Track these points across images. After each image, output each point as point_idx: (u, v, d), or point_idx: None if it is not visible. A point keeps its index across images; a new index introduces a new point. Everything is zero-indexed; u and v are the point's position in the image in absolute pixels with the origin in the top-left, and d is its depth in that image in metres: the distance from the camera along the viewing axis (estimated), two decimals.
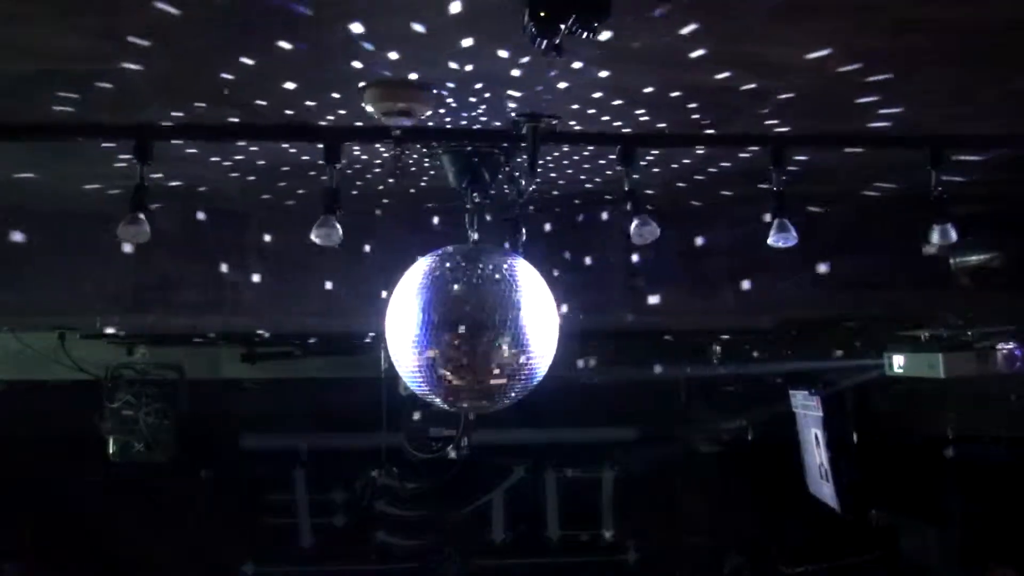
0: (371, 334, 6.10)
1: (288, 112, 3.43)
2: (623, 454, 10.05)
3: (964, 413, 6.82)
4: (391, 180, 4.03)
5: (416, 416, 7.00)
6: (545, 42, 2.49)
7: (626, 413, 9.52)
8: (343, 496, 10.01)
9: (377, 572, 9.80)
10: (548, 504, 10.57)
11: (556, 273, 5.01)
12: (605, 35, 2.66)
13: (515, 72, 3.03)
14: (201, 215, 5.22)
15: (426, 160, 4.06)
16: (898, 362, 6.10)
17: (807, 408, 8.01)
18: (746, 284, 5.52)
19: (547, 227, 5.25)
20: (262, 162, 4.15)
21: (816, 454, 7.99)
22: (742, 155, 4.11)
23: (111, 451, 7.04)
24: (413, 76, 3.07)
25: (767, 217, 3.94)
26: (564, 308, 5.01)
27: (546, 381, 3.62)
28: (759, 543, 9.25)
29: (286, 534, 9.90)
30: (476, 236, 3.70)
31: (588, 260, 5.43)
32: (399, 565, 9.81)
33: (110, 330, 6.21)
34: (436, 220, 5.13)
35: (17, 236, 5.20)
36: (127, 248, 5.02)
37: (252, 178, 4.44)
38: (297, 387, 8.25)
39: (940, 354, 5.70)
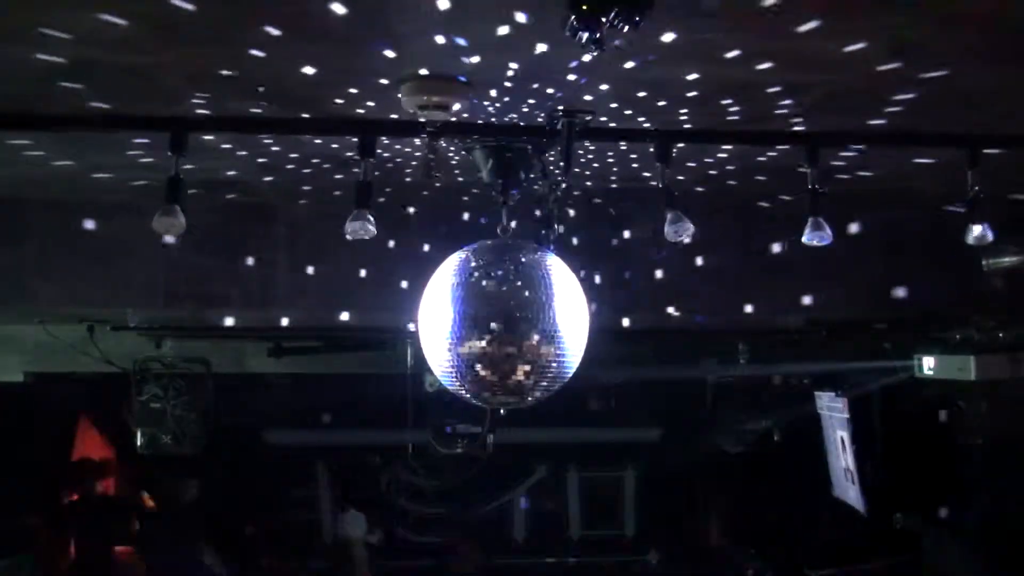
0: (402, 329, 6.11)
1: (323, 106, 3.43)
2: (646, 455, 10.04)
3: (995, 416, 6.74)
4: (426, 175, 4.02)
5: (441, 413, 6.99)
6: (586, 35, 2.47)
7: (651, 414, 9.51)
8: (365, 492, 10.03)
9: (398, 568, 9.81)
10: (570, 503, 10.57)
11: (583, 272, 4.99)
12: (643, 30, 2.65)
13: (551, 67, 3.02)
14: (231, 208, 5.24)
15: (458, 155, 4.06)
16: (928, 364, 6.05)
17: (833, 410, 7.96)
18: (775, 284, 5.49)
19: (577, 223, 5.23)
20: (294, 155, 4.15)
21: (842, 456, 7.94)
22: (775, 152, 4.09)
23: (139, 443, 7.08)
24: (448, 71, 3.06)
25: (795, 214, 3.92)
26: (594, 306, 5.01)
27: (572, 380, 3.60)
28: (783, 545, 9.20)
29: (308, 528, 9.94)
30: (509, 231, 3.69)
31: (616, 258, 5.42)
32: (420, 562, 9.83)
33: (139, 323, 6.25)
34: (467, 215, 5.12)
35: (49, 229, 5.24)
36: (157, 241, 5.05)
37: (282, 171, 4.45)
38: (323, 382, 8.27)
39: (971, 356, 5.64)
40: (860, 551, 8.48)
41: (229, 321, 5.79)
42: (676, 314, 5.60)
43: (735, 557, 9.57)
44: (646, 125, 3.64)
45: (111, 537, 8.27)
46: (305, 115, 3.56)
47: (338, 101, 3.37)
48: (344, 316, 5.74)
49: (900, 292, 5.48)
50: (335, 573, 9.48)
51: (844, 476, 7.99)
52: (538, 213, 4.00)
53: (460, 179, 4.50)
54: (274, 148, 4.04)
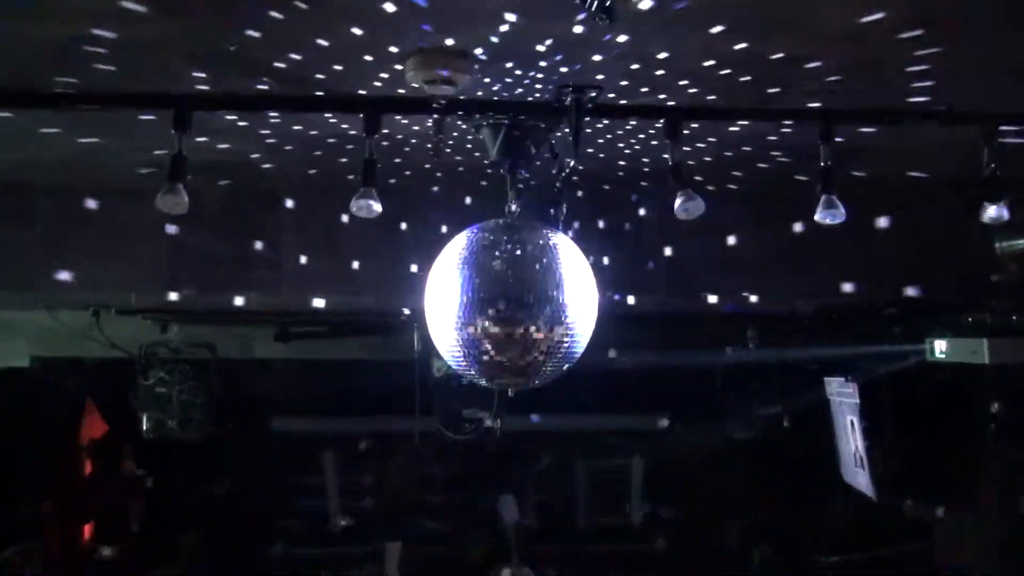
0: (406, 312, 6.07)
1: (327, 82, 3.38)
2: (654, 441, 9.99)
3: (1008, 400, 6.69)
4: (431, 153, 3.98)
5: (449, 398, 6.96)
6: (595, 4, 2.42)
7: (659, 400, 9.46)
8: (372, 479, 10.01)
9: (405, 556, 9.78)
10: (577, 491, 10.53)
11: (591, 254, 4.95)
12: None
13: (560, 42, 2.96)
14: (236, 191, 5.20)
15: (466, 135, 4.01)
16: (940, 348, 5.99)
17: (842, 395, 7.90)
18: (785, 269, 5.44)
19: (585, 204, 5.18)
20: (298, 135, 4.11)
21: (851, 442, 7.87)
22: (786, 131, 4.03)
23: (144, 428, 7.07)
24: (454, 44, 3.01)
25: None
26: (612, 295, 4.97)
27: (578, 366, 3.56)
28: (791, 532, 9.15)
29: (316, 516, 9.92)
30: (516, 211, 3.64)
31: (624, 239, 5.37)
32: (427, 549, 9.80)
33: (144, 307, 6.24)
34: (474, 195, 5.07)
35: (52, 213, 5.21)
36: (164, 225, 5.04)
37: (287, 153, 4.41)
38: (329, 368, 8.24)
39: (984, 339, 5.58)
40: (869, 537, 8.44)
41: (236, 304, 5.74)
42: (684, 299, 5.55)
43: (743, 544, 9.52)
44: (667, 102, 3.59)
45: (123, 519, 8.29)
46: (309, 92, 3.51)
47: (345, 76, 3.33)
48: (350, 300, 5.71)
49: (911, 276, 5.42)
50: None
51: (854, 462, 7.93)
52: (552, 192, 3.92)
53: (464, 157, 4.45)
54: (281, 128, 4.00)
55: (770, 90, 3.47)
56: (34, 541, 7.85)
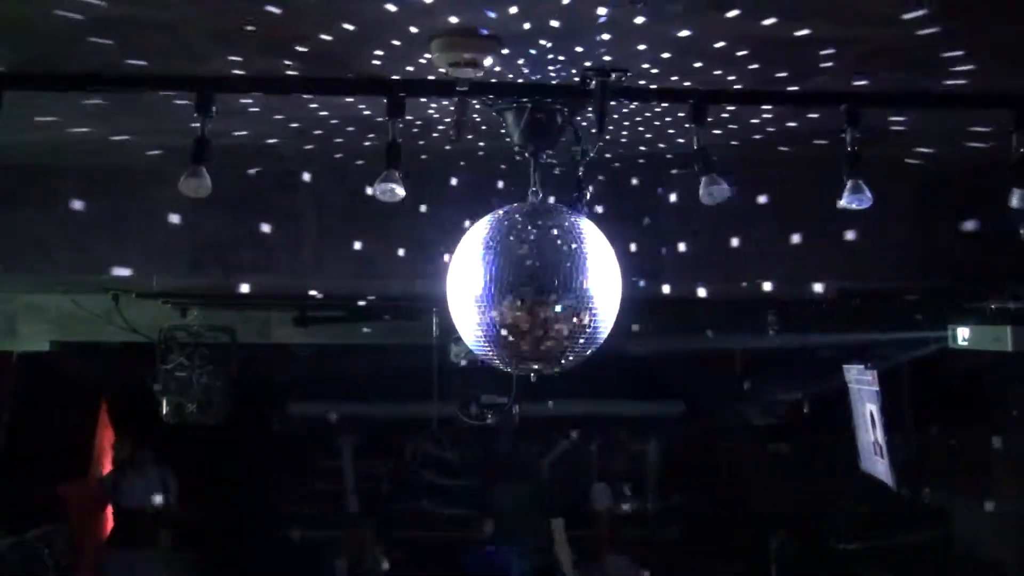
0: (428, 298, 6.06)
1: (350, 65, 3.36)
2: (672, 427, 9.99)
3: None
4: (453, 137, 3.94)
5: (467, 383, 6.96)
6: None
7: (677, 385, 9.45)
8: (389, 464, 10.05)
9: (421, 540, 9.83)
10: (593, 476, 10.54)
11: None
12: None
13: (586, 23, 2.93)
14: (256, 175, 5.19)
15: (488, 117, 3.98)
16: (962, 335, 5.95)
17: (861, 383, 7.87)
18: (806, 254, 5.40)
19: (605, 188, 5.16)
20: (320, 118, 4.09)
21: (870, 430, 7.85)
22: (810, 116, 3.99)
23: (164, 412, 7.10)
24: (478, 25, 2.98)
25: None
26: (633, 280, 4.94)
27: (597, 352, 3.53)
28: (810, 519, 9.15)
29: (333, 500, 9.96)
30: (540, 194, 3.61)
31: (645, 223, 5.35)
32: (443, 533, 9.83)
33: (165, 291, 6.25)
34: (498, 179, 5.04)
35: (72, 196, 5.21)
36: (184, 209, 5.04)
37: (309, 136, 4.39)
38: (348, 353, 8.25)
39: (1008, 327, 5.54)
40: (888, 526, 8.42)
41: (254, 290, 5.74)
42: (705, 283, 5.53)
43: (761, 530, 9.51)
44: (686, 84, 3.56)
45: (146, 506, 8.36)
46: (332, 75, 3.49)
47: (369, 59, 3.30)
48: (370, 285, 5.70)
49: (934, 261, 5.38)
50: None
51: (873, 449, 7.90)
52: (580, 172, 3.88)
53: (487, 141, 4.42)
54: (303, 113, 3.98)
55: (797, 74, 3.43)
56: (54, 524, 7.92)
